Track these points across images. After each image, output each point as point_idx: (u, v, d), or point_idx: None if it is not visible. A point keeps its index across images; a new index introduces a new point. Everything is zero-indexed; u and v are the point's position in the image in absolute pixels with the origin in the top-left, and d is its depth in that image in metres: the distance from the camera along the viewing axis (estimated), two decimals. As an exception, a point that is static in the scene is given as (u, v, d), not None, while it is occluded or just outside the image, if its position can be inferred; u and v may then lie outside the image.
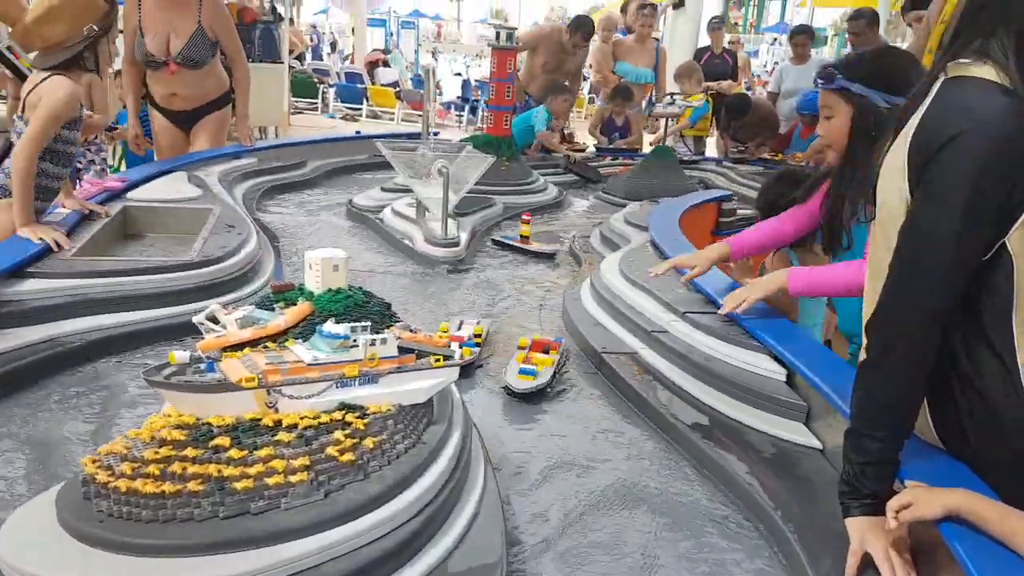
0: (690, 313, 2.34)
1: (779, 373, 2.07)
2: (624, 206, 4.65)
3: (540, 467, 1.88)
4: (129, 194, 3.31)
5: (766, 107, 6.92)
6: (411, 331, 1.61)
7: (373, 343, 1.50)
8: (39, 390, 2.00)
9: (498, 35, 4.42)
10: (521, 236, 3.75)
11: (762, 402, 2.01)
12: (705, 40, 8.65)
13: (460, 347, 2.35)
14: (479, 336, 2.49)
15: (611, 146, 6.70)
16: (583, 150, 6.60)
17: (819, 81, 2.11)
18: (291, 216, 4.15)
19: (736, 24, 25.04)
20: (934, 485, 1.39)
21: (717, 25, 9.00)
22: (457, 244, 3.41)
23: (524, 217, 3.84)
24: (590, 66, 7.08)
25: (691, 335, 2.27)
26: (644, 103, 6.63)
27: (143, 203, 3.23)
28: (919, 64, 2.24)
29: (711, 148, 7.39)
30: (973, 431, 1.45)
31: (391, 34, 23.20)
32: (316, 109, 14.94)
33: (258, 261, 2.91)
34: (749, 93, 7.69)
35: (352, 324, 1.52)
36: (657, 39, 6.77)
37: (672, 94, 5.97)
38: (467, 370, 2.30)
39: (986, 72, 1.34)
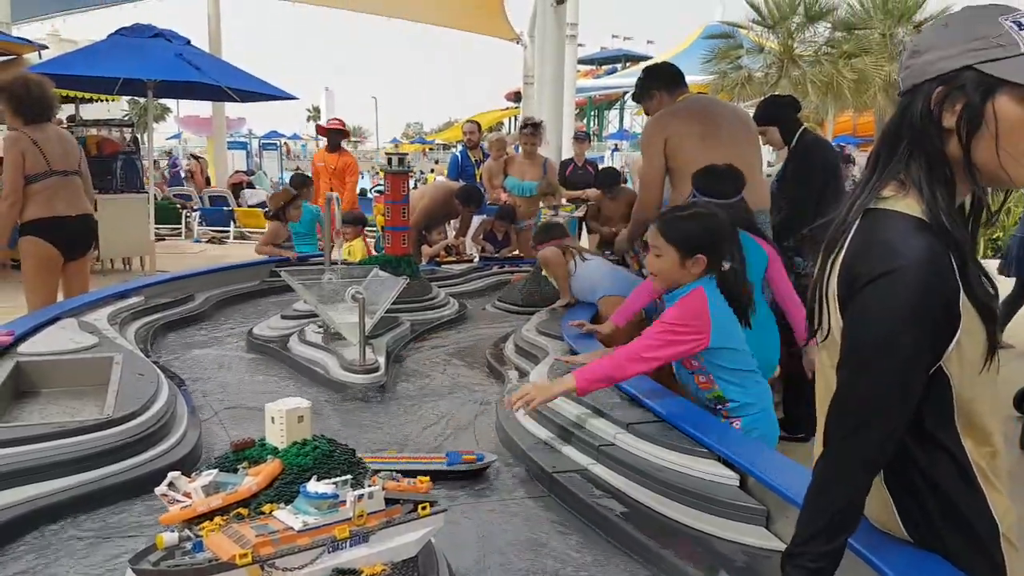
0: (635, 424, 2.39)
1: (732, 478, 2.13)
2: (522, 313, 4.77)
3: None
4: (20, 347, 3.07)
5: (633, 193, 7.38)
6: (393, 479, 1.57)
7: (360, 498, 1.44)
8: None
9: (390, 160, 4.50)
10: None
11: (721, 509, 2.05)
12: (568, 153, 9.15)
13: None
14: None
15: (497, 255, 6.87)
16: (470, 260, 6.73)
17: None
18: (190, 354, 3.96)
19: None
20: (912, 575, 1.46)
21: (581, 137, 9.56)
22: (377, 369, 3.35)
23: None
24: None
25: (640, 447, 2.31)
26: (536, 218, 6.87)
27: (37, 357, 3.01)
28: None
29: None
30: (938, 521, 1.53)
31: (251, 155, 23.08)
32: (179, 235, 14.52)
33: (173, 409, 2.75)
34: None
35: (335, 480, 1.47)
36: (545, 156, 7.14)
37: (555, 206, 6.23)
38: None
39: (906, 205, 1.41)
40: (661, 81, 4.14)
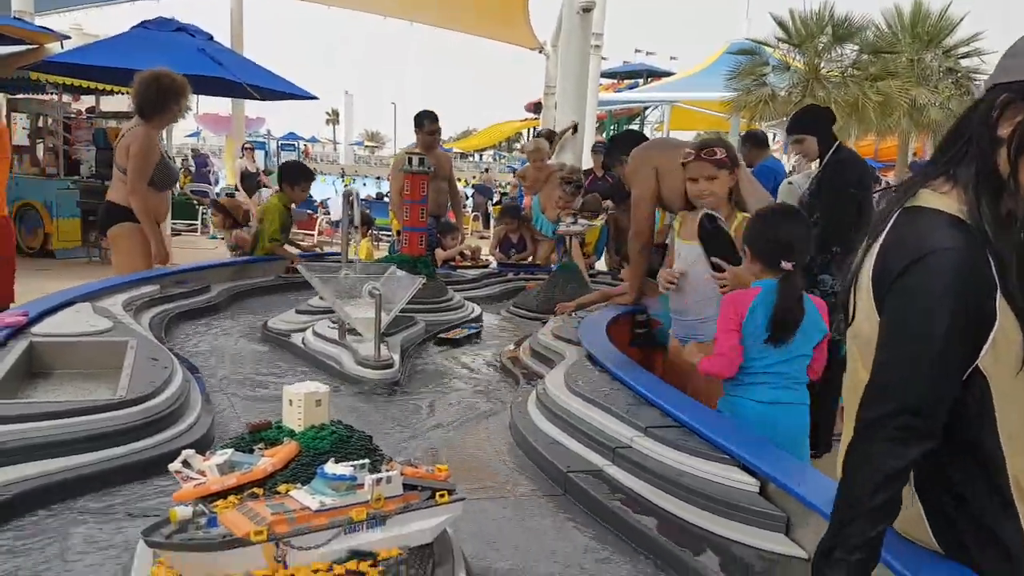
0: (653, 428, 2.35)
1: (752, 484, 2.09)
2: (536, 319, 4.75)
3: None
4: (33, 329, 3.06)
5: None
6: (412, 465, 1.54)
7: (379, 482, 1.41)
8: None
9: (410, 160, 4.48)
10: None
11: (740, 514, 2.01)
12: (588, 163, 9.14)
13: None
14: None
15: (510, 262, 6.85)
16: (486, 266, 6.71)
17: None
18: (204, 343, 3.95)
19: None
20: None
21: (599, 149, 9.55)
22: (392, 365, 3.33)
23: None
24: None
25: (657, 450, 2.27)
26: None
27: (51, 338, 2.99)
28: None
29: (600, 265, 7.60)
30: (972, 543, 1.48)
31: (269, 155, 23.21)
32: (195, 230, 14.59)
33: (187, 394, 2.73)
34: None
35: (353, 463, 1.44)
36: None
37: (574, 213, 6.16)
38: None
39: (944, 203, 1.39)
40: (627, 149, 4.17)
